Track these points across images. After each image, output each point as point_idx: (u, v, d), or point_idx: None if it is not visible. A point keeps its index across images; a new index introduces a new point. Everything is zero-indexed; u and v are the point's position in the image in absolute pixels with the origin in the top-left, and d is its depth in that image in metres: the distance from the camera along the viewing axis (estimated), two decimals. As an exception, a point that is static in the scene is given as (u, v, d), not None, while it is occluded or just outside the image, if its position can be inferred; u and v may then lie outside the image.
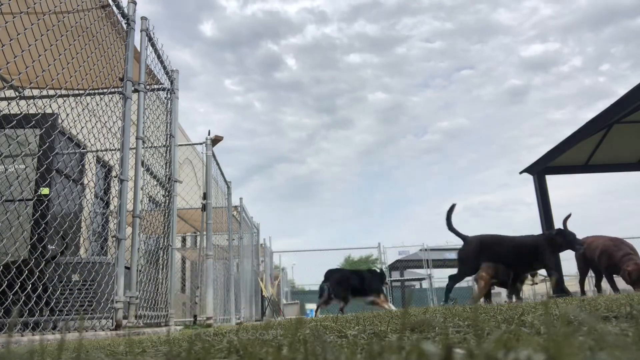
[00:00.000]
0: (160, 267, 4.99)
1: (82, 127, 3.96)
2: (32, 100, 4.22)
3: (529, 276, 7.52)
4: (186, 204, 10.08)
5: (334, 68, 77.02)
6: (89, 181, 6.22)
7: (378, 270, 8.58)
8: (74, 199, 4.74)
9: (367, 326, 1.54)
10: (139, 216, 4.21)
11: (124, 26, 4.38)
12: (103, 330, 3.51)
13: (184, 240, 15.64)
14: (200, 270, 7.25)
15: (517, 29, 75.46)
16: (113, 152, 4.83)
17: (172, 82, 5.56)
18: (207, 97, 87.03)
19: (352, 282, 7.99)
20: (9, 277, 3.25)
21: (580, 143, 8.85)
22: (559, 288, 7.92)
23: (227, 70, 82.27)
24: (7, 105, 3.93)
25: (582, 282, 8.12)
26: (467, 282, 21.46)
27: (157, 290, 4.77)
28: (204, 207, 7.26)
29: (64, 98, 4.16)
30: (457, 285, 7.23)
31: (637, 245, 7.08)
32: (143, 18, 4.66)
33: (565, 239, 6.55)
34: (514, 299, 6.94)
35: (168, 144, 5.39)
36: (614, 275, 7.28)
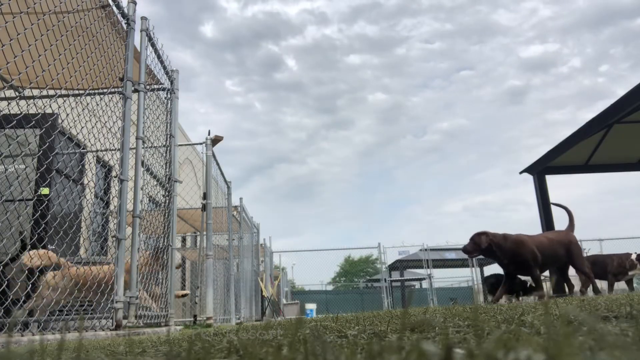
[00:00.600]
0: (160, 267, 4.99)
1: (82, 127, 3.96)
2: (32, 100, 4.22)
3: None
4: (186, 204, 10.09)
5: (334, 69, 77.09)
6: (89, 181, 6.22)
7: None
8: (74, 199, 4.74)
9: (367, 326, 1.54)
10: (139, 216, 4.21)
11: (124, 26, 4.38)
12: (103, 330, 3.51)
13: (184, 240, 15.64)
14: (200, 270, 7.25)
15: (516, 29, 75.55)
16: (113, 152, 4.83)
17: (172, 82, 5.56)
18: (207, 98, 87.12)
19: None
20: None
21: (580, 143, 8.86)
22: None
23: (228, 71, 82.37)
24: (7, 105, 3.93)
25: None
26: (467, 281, 21.46)
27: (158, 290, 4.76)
28: (204, 207, 7.26)
29: (64, 98, 4.15)
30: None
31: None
32: (143, 18, 4.66)
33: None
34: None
35: (168, 144, 5.39)
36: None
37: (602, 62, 79.99)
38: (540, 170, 10.04)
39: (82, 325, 3.53)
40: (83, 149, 5.57)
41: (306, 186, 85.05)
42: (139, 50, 4.58)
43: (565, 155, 9.38)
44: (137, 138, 4.35)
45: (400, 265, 20.60)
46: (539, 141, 73.89)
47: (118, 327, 3.61)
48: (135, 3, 4.38)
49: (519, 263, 5.70)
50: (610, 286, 8.26)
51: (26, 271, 3.54)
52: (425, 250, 18.85)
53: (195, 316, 7.15)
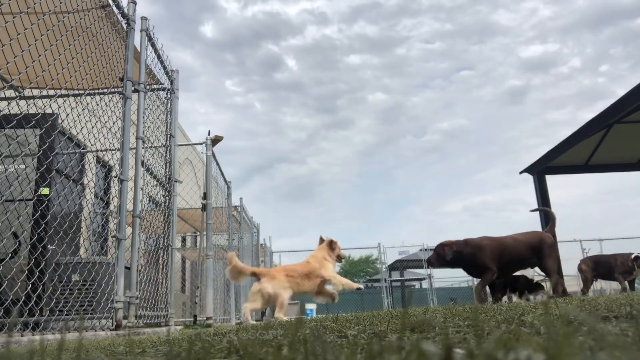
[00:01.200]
0: (160, 267, 4.99)
1: (82, 127, 3.96)
2: (32, 100, 4.22)
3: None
4: (186, 204, 10.08)
5: (334, 69, 77.11)
6: (89, 181, 6.21)
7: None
8: (74, 199, 4.74)
9: (367, 326, 1.54)
10: (139, 216, 4.21)
11: (124, 26, 4.38)
12: (103, 330, 3.51)
13: (184, 240, 15.64)
14: (200, 270, 7.25)
15: (516, 30, 75.58)
16: (113, 152, 4.83)
17: (172, 82, 5.56)
18: (207, 98, 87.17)
19: None
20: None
21: (580, 143, 8.86)
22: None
23: (228, 71, 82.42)
24: (7, 105, 3.93)
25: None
26: (468, 282, 21.47)
27: (157, 290, 4.77)
28: (204, 207, 7.27)
29: (64, 98, 4.15)
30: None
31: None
32: (143, 18, 4.66)
33: None
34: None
35: (168, 144, 5.39)
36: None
37: (602, 62, 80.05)
38: (540, 170, 10.04)
39: (82, 325, 3.53)
40: (83, 149, 5.57)
41: (306, 186, 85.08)
42: (139, 50, 4.58)
43: (565, 155, 9.38)
44: (137, 138, 4.35)
45: (400, 265, 20.60)
46: (539, 141, 73.90)
47: (118, 327, 3.61)
48: (135, 3, 4.38)
49: (478, 267, 5.65)
50: (621, 285, 8.21)
51: (26, 271, 3.54)
52: (425, 250, 18.84)
53: (195, 316, 7.15)
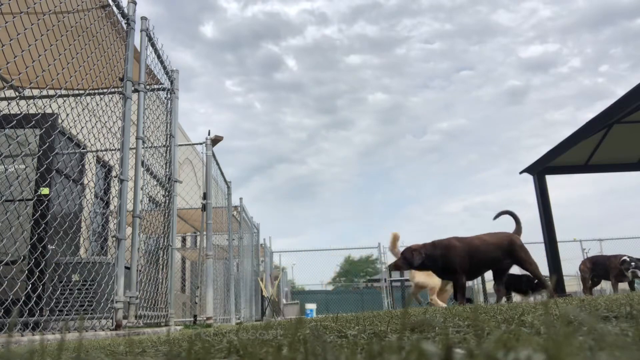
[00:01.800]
0: (160, 267, 4.99)
1: (82, 127, 3.96)
2: (32, 100, 4.22)
3: None
4: (186, 204, 10.09)
5: (334, 69, 77.18)
6: (89, 181, 6.21)
7: None
8: (74, 199, 4.73)
9: (367, 326, 1.54)
10: (139, 216, 4.21)
11: (124, 26, 4.38)
12: (103, 330, 3.51)
13: (184, 240, 15.64)
14: (200, 270, 7.25)
15: (516, 30, 75.64)
16: (113, 152, 4.83)
17: (172, 82, 5.56)
18: (208, 98, 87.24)
19: None
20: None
21: (580, 143, 8.85)
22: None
23: (228, 71, 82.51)
24: (7, 105, 3.93)
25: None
26: (468, 282, 21.43)
27: (157, 290, 4.77)
28: (204, 207, 7.26)
29: (64, 98, 4.15)
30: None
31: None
32: (143, 18, 4.66)
33: None
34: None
35: (168, 144, 5.39)
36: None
37: (601, 63, 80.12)
38: (540, 170, 10.04)
39: (82, 325, 3.53)
40: (83, 149, 5.57)
41: (306, 186, 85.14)
42: (139, 50, 4.58)
43: (565, 155, 9.38)
44: (137, 138, 4.35)
45: (400, 265, 20.53)
46: (538, 141, 73.92)
47: (118, 327, 3.61)
48: (135, 3, 4.38)
49: (447, 269, 5.62)
50: (613, 288, 8.22)
51: (26, 271, 3.54)
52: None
53: (195, 316, 7.15)
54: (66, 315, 3.76)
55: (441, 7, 75.28)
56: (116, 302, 3.69)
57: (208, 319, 6.15)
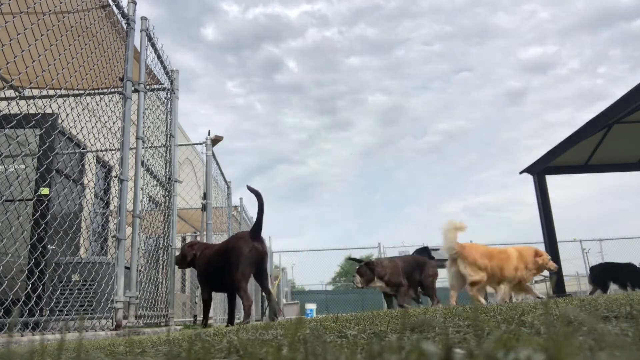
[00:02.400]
0: (160, 267, 4.99)
1: (82, 127, 3.96)
2: (32, 100, 4.22)
3: None
4: (186, 204, 10.08)
5: (334, 70, 77.27)
6: (89, 181, 6.21)
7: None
8: (74, 199, 4.73)
9: (367, 326, 1.54)
10: (139, 216, 4.21)
11: (124, 26, 4.38)
12: (103, 330, 3.51)
13: (184, 240, 15.63)
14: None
15: (515, 32, 75.80)
16: (113, 152, 4.83)
17: (172, 82, 5.56)
18: (209, 99, 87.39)
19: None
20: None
21: (580, 143, 8.85)
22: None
23: (229, 72, 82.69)
24: (7, 105, 3.93)
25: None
26: (467, 282, 21.45)
27: (157, 290, 4.76)
28: (204, 207, 7.26)
29: (64, 98, 4.15)
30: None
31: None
32: (143, 18, 4.66)
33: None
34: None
35: (168, 144, 5.39)
36: None
37: (600, 64, 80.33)
38: (540, 170, 10.04)
39: (82, 325, 3.53)
40: (83, 149, 5.57)
41: (306, 186, 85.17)
42: (139, 50, 4.58)
43: (565, 155, 9.38)
44: (137, 138, 4.35)
45: (400, 265, 20.54)
46: (538, 142, 74.01)
47: (118, 327, 3.61)
48: (135, 3, 4.38)
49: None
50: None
51: (26, 271, 3.54)
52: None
53: (195, 316, 7.15)
54: (66, 315, 3.76)
55: (441, 10, 75.43)
56: (116, 302, 3.69)
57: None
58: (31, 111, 4.09)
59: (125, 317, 3.73)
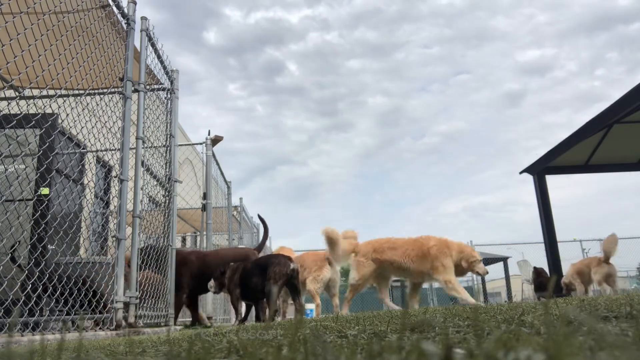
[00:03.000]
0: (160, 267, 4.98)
1: (82, 127, 3.96)
2: (32, 100, 4.22)
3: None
4: (186, 204, 10.08)
5: (335, 73, 77.46)
6: (89, 181, 6.21)
7: None
8: (74, 199, 4.73)
9: (367, 326, 1.54)
10: (139, 216, 4.21)
11: (124, 26, 4.38)
12: (103, 330, 3.51)
13: (184, 240, 15.62)
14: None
15: (514, 35, 75.99)
16: (113, 152, 4.83)
17: (172, 82, 5.56)
18: (211, 101, 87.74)
19: None
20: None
21: (580, 143, 8.85)
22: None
23: (231, 75, 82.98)
24: (7, 105, 3.93)
25: None
26: (467, 282, 21.47)
27: (157, 290, 4.76)
28: (204, 207, 7.26)
29: (64, 98, 4.15)
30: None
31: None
32: (143, 18, 4.66)
33: None
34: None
35: (168, 144, 5.39)
36: None
37: (598, 66, 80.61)
38: (540, 170, 10.04)
39: (82, 325, 3.53)
40: (83, 149, 5.57)
41: (307, 187, 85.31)
42: (139, 50, 4.58)
43: (565, 155, 9.37)
44: (137, 138, 4.35)
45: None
46: (536, 143, 74.25)
47: (118, 327, 3.61)
48: (135, 3, 4.38)
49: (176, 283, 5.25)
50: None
51: (26, 271, 3.53)
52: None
53: (195, 316, 7.14)
54: (66, 315, 3.76)
55: (441, 13, 75.70)
56: (116, 302, 3.69)
57: (208, 318, 6.14)
58: (31, 111, 4.09)
59: (125, 317, 3.73)
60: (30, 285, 3.32)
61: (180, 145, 7.11)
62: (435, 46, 79.07)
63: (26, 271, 3.50)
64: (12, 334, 2.79)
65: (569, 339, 0.59)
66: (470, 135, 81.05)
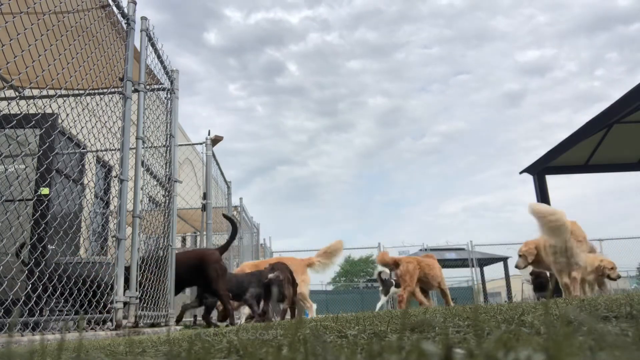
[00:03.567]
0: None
1: (82, 127, 3.96)
2: (32, 100, 4.22)
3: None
4: (186, 204, 10.08)
5: (335, 73, 77.56)
6: (89, 181, 6.21)
7: None
8: (74, 199, 4.73)
9: (367, 326, 1.54)
10: (139, 216, 4.20)
11: (124, 26, 4.37)
12: (103, 330, 3.51)
13: (184, 240, 15.63)
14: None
15: (514, 35, 76.12)
16: (113, 152, 4.83)
17: (172, 82, 5.56)
18: (211, 102, 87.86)
19: None
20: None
21: (580, 143, 8.85)
22: None
23: (231, 75, 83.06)
24: (7, 105, 3.93)
25: None
26: (468, 281, 21.47)
27: (157, 290, 4.76)
28: (204, 207, 7.26)
29: (64, 98, 4.15)
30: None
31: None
32: (143, 18, 4.65)
33: None
34: None
35: (168, 144, 5.39)
36: None
37: (597, 67, 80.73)
38: (540, 170, 10.04)
39: (82, 325, 3.53)
40: (83, 149, 5.57)
41: (306, 187, 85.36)
42: (139, 50, 4.58)
43: (565, 155, 9.38)
44: (137, 138, 4.35)
45: (400, 265, 20.49)
46: (536, 143, 74.34)
47: (118, 327, 3.61)
48: (135, 3, 4.38)
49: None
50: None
51: (26, 271, 3.54)
52: (425, 250, 18.82)
53: (195, 316, 7.15)
54: (66, 315, 3.76)
55: (441, 14, 75.74)
56: (116, 302, 3.69)
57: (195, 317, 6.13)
58: (31, 111, 4.09)
59: (125, 317, 3.73)
60: (30, 285, 3.32)
61: (180, 145, 7.12)
62: (435, 46, 79.22)
63: (26, 271, 3.50)
64: (12, 334, 2.79)
65: (569, 339, 0.59)
66: (470, 135, 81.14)
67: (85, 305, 3.78)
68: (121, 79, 4.23)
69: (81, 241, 5.89)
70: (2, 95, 4.40)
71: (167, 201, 5.25)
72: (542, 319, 1.24)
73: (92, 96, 4.26)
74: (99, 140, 4.17)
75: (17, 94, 3.94)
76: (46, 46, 3.41)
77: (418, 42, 78.41)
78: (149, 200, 4.96)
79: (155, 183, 5.07)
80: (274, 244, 18.61)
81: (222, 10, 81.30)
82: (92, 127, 4.09)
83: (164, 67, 5.36)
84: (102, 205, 7.39)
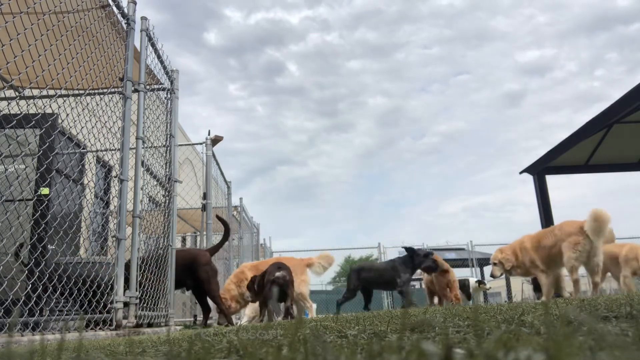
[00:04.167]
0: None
1: (82, 127, 3.96)
2: (32, 100, 4.22)
3: None
4: (186, 204, 10.08)
5: (335, 74, 77.61)
6: (89, 181, 6.21)
7: None
8: (74, 199, 4.73)
9: (367, 326, 1.54)
10: (139, 216, 4.20)
11: (124, 26, 4.37)
12: (103, 330, 3.51)
13: (184, 240, 15.63)
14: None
15: (514, 35, 76.20)
16: (113, 152, 4.83)
17: (172, 82, 5.56)
18: (211, 102, 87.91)
19: None
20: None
21: (580, 143, 8.85)
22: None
23: (231, 75, 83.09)
24: (7, 105, 3.93)
25: None
26: (466, 282, 21.45)
27: (157, 290, 4.76)
28: (204, 207, 7.26)
29: (64, 98, 4.15)
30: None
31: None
32: (143, 18, 4.65)
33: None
34: None
35: (168, 144, 5.39)
36: None
37: (597, 67, 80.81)
38: (540, 170, 10.04)
39: (82, 325, 3.53)
40: (83, 149, 5.57)
41: (306, 187, 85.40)
42: (139, 50, 4.58)
43: (565, 155, 9.38)
44: (137, 138, 4.35)
45: (400, 265, 20.49)
46: (536, 143, 74.37)
47: (118, 327, 3.61)
48: (135, 3, 4.38)
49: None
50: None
51: (26, 271, 3.53)
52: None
53: (195, 316, 7.15)
54: (66, 315, 3.76)
55: (441, 14, 75.77)
56: (116, 302, 3.69)
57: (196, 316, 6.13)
58: (31, 111, 4.09)
59: (125, 317, 3.73)
60: (30, 285, 3.32)
61: (180, 145, 7.12)
62: (435, 46, 79.25)
63: (26, 271, 3.50)
64: (12, 334, 2.79)
65: (569, 339, 0.59)
66: (470, 135, 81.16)
67: (86, 305, 3.79)
68: (121, 79, 4.23)
69: (81, 241, 5.89)
70: (2, 95, 4.40)
71: (167, 201, 5.25)
72: (542, 319, 1.24)
73: (92, 96, 4.26)
74: (99, 140, 4.17)
75: (17, 94, 3.94)
76: (46, 46, 3.41)
77: (418, 42, 78.48)
78: (149, 200, 4.96)
79: (155, 183, 5.07)
80: (274, 244, 18.62)
81: (222, 10, 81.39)
82: (92, 127, 4.09)
83: (164, 67, 5.36)
84: (102, 205, 7.39)
